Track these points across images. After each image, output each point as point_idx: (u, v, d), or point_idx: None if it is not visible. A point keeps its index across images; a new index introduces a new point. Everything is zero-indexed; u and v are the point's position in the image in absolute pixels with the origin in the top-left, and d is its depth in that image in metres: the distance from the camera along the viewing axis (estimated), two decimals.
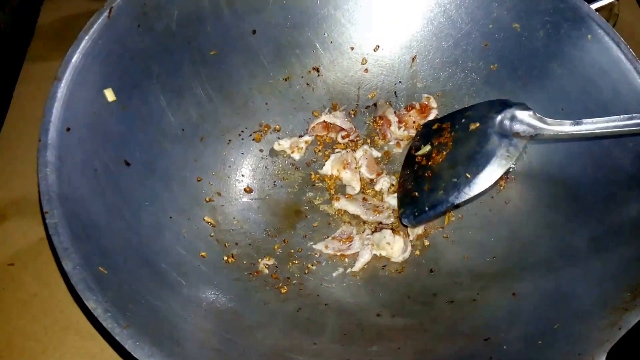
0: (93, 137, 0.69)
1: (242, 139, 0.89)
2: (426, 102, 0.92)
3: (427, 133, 0.88)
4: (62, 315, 0.80)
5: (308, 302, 0.77)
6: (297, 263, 0.81)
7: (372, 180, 0.90)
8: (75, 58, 0.68)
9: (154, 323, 0.60)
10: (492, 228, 0.84)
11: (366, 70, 0.94)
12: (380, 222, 0.85)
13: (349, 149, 0.91)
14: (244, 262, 0.80)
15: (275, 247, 0.83)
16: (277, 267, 0.80)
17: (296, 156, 0.91)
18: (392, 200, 0.87)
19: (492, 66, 0.89)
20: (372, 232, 0.84)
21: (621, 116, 0.70)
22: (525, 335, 0.67)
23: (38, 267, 0.84)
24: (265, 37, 0.88)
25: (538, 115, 0.75)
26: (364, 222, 0.86)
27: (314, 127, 0.92)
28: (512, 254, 0.80)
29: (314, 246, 0.83)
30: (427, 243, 0.84)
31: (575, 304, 0.68)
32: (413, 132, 0.92)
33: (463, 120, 0.81)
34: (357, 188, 0.88)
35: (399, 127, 0.91)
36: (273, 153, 0.90)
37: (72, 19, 1.13)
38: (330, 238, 0.84)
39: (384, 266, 0.82)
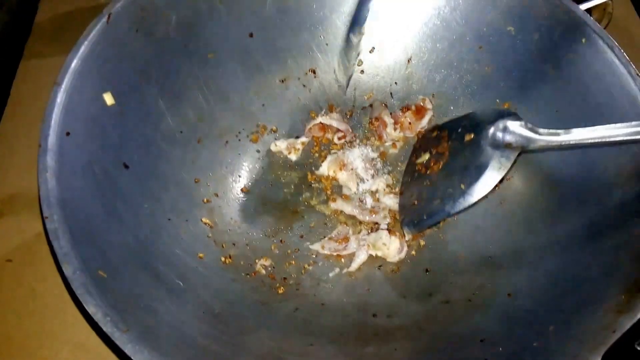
0: (92, 141, 0.69)
1: (239, 140, 0.89)
2: (422, 104, 0.93)
3: (426, 141, 0.89)
4: (60, 312, 0.81)
5: (305, 302, 0.78)
6: (293, 263, 0.82)
7: (368, 181, 0.91)
8: (74, 63, 0.68)
9: (153, 326, 0.61)
10: (488, 228, 0.85)
11: (362, 71, 0.95)
12: (377, 223, 0.86)
13: (345, 150, 0.91)
14: (241, 262, 0.80)
15: (272, 248, 0.83)
16: (274, 267, 0.81)
17: (293, 157, 0.91)
18: (388, 201, 0.88)
19: (486, 68, 0.89)
20: (368, 233, 0.85)
21: (614, 125, 0.71)
22: (521, 336, 0.68)
23: (36, 263, 0.84)
24: (262, 39, 0.88)
25: (530, 125, 0.76)
26: (360, 223, 0.87)
27: (310, 128, 0.92)
28: (507, 255, 0.81)
29: (310, 246, 0.84)
30: (422, 243, 0.85)
31: (570, 306, 0.68)
32: (409, 133, 0.93)
33: (459, 129, 0.83)
34: (354, 189, 0.89)
35: (395, 128, 0.92)
36: (270, 154, 0.91)
37: (69, 17, 1.13)
38: (326, 238, 0.85)
39: (380, 266, 0.83)
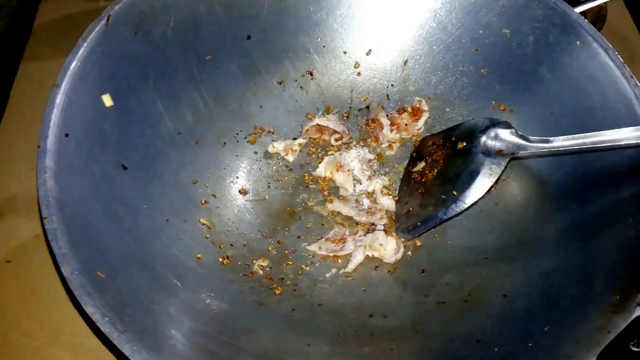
0: (91, 142, 0.70)
1: (237, 142, 0.90)
2: (418, 105, 0.93)
3: (422, 149, 0.91)
4: (58, 312, 0.81)
5: (302, 302, 0.78)
6: (291, 264, 0.83)
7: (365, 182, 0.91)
8: (73, 65, 0.69)
9: (151, 327, 0.61)
10: (483, 230, 0.85)
11: (359, 73, 0.95)
12: (373, 224, 0.86)
13: (342, 151, 0.92)
14: (239, 263, 0.81)
15: (270, 248, 0.84)
16: (271, 268, 0.81)
17: (290, 158, 0.92)
18: (385, 202, 0.88)
19: (482, 70, 0.90)
20: (365, 233, 0.85)
21: (602, 132, 0.72)
22: (516, 337, 0.68)
23: (35, 264, 0.85)
24: (260, 42, 0.89)
25: (520, 133, 0.78)
26: (357, 224, 0.87)
27: (307, 129, 0.93)
28: (502, 256, 0.81)
29: (307, 247, 0.85)
30: (418, 244, 0.85)
31: (565, 306, 0.68)
32: (405, 135, 0.94)
33: (453, 138, 0.85)
34: (350, 190, 0.89)
35: (391, 130, 0.93)
36: (267, 155, 0.91)
37: (69, 20, 1.14)
38: (323, 239, 0.85)
39: (377, 267, 0.83)
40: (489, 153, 0.78)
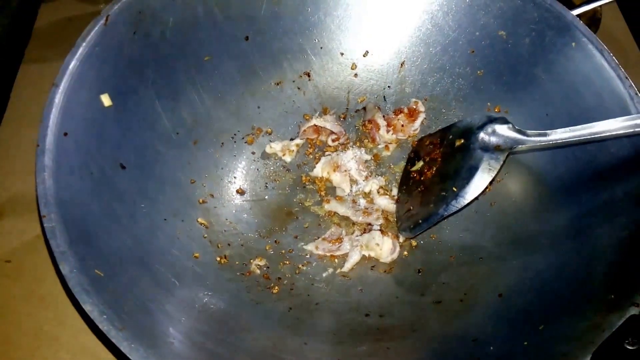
0: (89, 142, 0.70)
1: (235, 142, 0.90)
2: (414, 107, 0.94)
3: (420, 149, 0.91)
4: (58, 312, 0.81)
5: (299, 302, 0.78)
6: (288, 263, 0.83)
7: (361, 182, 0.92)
8: (72, 64, 0.69)
9: (149, 324, 0.62)
10: (478, 230, 0.86)
11: (356, 75, 0.96)
12: (370, 224, 0.87)
13: (339, 152, 0.92)
14: (236, 262, 0.81)
15: (267, 248, 0.84)
16: (268, 267, 0.82)
17: (287, 159, 0.92)
18: (381, 202, 0.89)
19: (478, 72, 0.91)
20: (362, 233, 0.86)
21: (598, 122, 0.73)
22: (511, 336, 0.69)
23: (35, 264, 0.85)
24: (258, 43, 0.89)
25: (517, 128, 0.78)
26: (354, 224, 0.88)
27: (305, 130, 0.93)
28: (497, 256, 0.82)
29: (304, 247, 0.85)
30: (414, 244, 0.86)
31: (560, 305, 0.69)
32: (401, 136, 0.94)
33: (450, 136, 0.85)
34: (347, 190, 0.90)
35: (388, 131, 0.93)
36: (265, 156, 0.92)
37: (69, 22, 1.15)
38: (320, 239, 0.86)
39: (373, 267, 0.84)
40: (487, 149, 0.79)
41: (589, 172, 0.79)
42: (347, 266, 0.83)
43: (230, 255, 0.81)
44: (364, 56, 0.95)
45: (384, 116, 0.94)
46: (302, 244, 0.85)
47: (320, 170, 0.91)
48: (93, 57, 0.71)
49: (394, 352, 0.72)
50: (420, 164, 0.88)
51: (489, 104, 0.90)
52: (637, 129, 0.71)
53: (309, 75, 0.94)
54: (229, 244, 0.82)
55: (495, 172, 0.78)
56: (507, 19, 0.87)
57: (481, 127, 0.80)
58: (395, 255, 0.84)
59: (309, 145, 0.94)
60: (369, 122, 0.94)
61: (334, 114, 0.95)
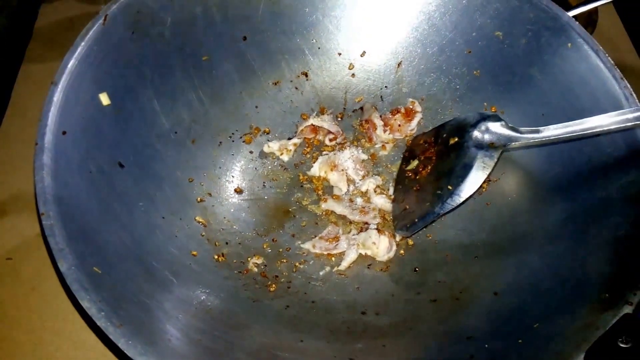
0: (88, 140, 0.70)
1: (233, 141, 0.91)
2: (411, 107, 0.95)
3: (415, 148, 0.92)
4: (58, 309, 0.82)
5: (296, 300, 0.79)
6: (285, 262, 0.83)
7: (358, 181, 0.92)
8: (71, 63, 0.70)
9: (146, 322, 0.62)
10: (474, 229, 0.86)
11: (353, 75, 0.96)
12: (366, 222, 0.87)
13: (336, 151, 0.92)
14: (234, 260, 0.81)
15: (265, 246, 0.84)
16: (265, 265, 0.82)
17: (285, 158, 0.93)
18: (378, 201, 0.89)
19: (475, 72, 0.91)
20: (358, 232, 0.86)
21: (590, 118, 0.74)
22: (506, 333, 0.69)
23: (35, 261, 0.85)
24: (256, 43, 0.90)
25: (510, 125, 0.79)
26: (351, 222, 0.88)
27: (302, 129, 0.93)
28: (492, 254, 0.82)
29: (301, 245, 0.85)
30: (411, 243, 0.86)
31: (555, 304, 0.69)
32: (398, 135, 0.95)
33: (444, 134, 0.86)
34: (344, 189, 0.90)
35: (385, 131, 0.94)
36: (263, 155, 0.92)
37: (69, 22, 1.15)
38: (317, 237, 0.86)
39: (370, 265, 0.84)
40: (481, 146, 0.79)
41: (584, 172, 0.79)
42: (344, 264, 0.83)
43: (227, 253, 0.81)
44: (361, 56, 0.96)
45: (381, 116, 0.95)
46: (300, 242, 0.86)
47: (317, 169, 0.91)
48: (92, 57, 0.72)
49: (390, 349, 0.72)
50: (415, 162, 0.89)
51: (485, 104, 0.91)
52: (628, 124, 0.72)
53: (306, 75, 0.95)
54: (226, 242, 0.83)
55: (489, 170, 0.78)
56: (503, 19, 0.87)
57: (474, 125, 0.81)
58: (391, 254, 0.84)
59: (307, 145, 0.94)
60: (366, 121, 0.95)
61: (332, 113, 0.95)
